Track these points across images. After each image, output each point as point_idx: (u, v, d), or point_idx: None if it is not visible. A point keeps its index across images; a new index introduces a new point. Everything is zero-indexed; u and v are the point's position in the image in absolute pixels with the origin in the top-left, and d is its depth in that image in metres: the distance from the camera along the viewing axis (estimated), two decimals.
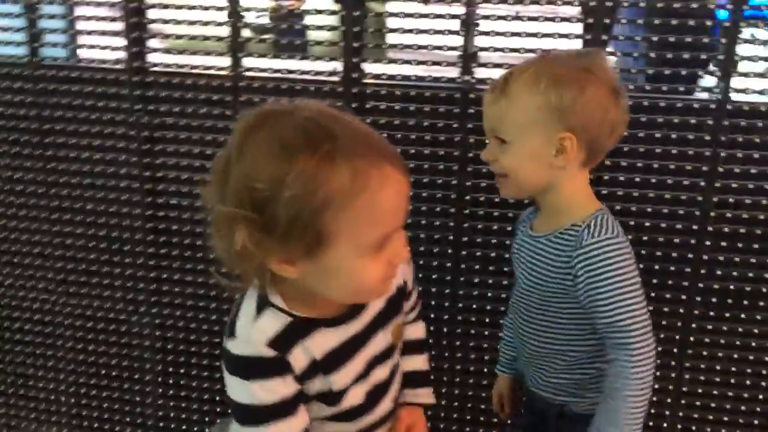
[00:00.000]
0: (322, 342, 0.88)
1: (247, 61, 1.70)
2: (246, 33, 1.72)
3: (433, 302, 1.74)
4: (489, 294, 1.71)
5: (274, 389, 0.84)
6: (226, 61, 1.70)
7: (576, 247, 1.08)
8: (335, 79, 1.66)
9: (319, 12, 1.65)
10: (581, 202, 1.14)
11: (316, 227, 0.76)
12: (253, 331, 0.84)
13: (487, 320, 1.72)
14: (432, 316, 1.74)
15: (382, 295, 0.93)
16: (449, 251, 1.70)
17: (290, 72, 1.68)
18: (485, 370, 1.75)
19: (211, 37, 1.72)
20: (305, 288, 0.84)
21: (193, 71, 1.75)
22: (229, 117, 1.73)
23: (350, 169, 0.75)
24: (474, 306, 1.73)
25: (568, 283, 1.10)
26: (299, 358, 0.85)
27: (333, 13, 1.62)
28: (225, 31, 1.68)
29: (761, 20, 1.57)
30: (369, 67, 1.67)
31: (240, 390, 0.85)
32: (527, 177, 1.12)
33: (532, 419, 1.34)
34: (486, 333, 1.73)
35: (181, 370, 1.97)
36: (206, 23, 1.69)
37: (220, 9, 1.66)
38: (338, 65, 1.65)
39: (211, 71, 1.73)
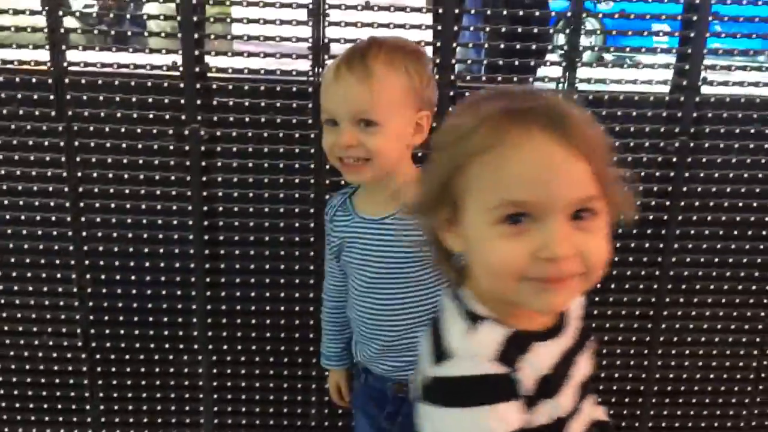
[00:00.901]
0: (544, 355, 0.74)
1: (71, 55, 1.51)
2: (69, 22, 1.53)
3: None
4: None
5: (506, 418, 0.68)
6: (45, 55, 1.50)
7: None
8: (175, 73, 1.52)
9: (149, 1, 1.50)
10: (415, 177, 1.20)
11: (452, 179, 0.71)
12: (475, 346, 0.70)
13: None
14: None
15: (548, 305, 0.71)
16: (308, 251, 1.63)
17: (122, 66, 1.51)
18: None
19: (27, 27, 1.51)
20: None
21: (6, 66, 1.54)
22: (52, 118, 1.53)
23: (494, 123, 0.69)
24: None
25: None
26: (527, 374, 0.71)
27: (167, 0, 1.48)
28: (42, 21, 1.48)
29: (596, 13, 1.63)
30: (213, 61, 1.54)
31: (464, 423, 0.67)
32: (391, 158, 1.13)
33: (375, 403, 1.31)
34: None
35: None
36: (19, 11, 1.48)
37: None
38: (178, 58, 1.51)
39: (28, 66, 1.52)
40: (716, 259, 1.69)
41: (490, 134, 0.68)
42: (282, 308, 1.66)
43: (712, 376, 1.78)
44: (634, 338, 1.73)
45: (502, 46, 1.56)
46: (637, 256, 1.67)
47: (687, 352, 1.76)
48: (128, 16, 1.55)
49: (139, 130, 1.55)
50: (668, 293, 1.69)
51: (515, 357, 0.71)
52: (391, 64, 1.09)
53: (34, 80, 1.52)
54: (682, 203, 1.63)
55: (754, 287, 1.72)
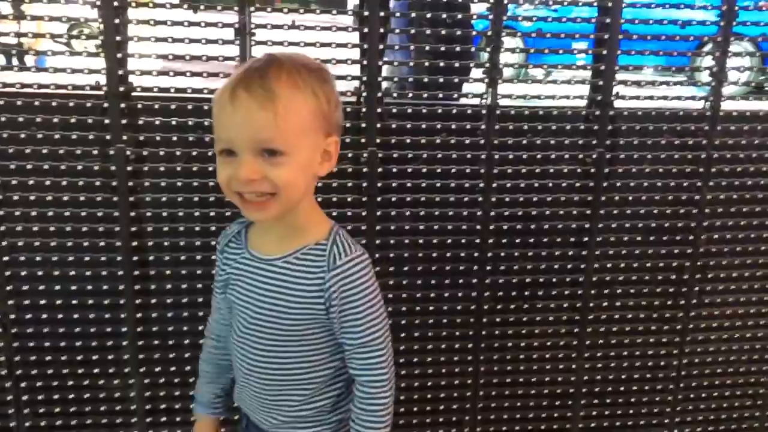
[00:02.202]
0: None
1: None
2: None
3: None
4: None
5: None
6: None
7: (330, 268, 1.01)
8: (99, 93, 1.50)
9: (73, 20, 1.48)
10: (318, 218, 1.07)
11: None
12: None
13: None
14: None
15: None
16: None
17: (43, 87, 1.48)
18: None
19: None
20: None
21: None
22: None
23: None
24: None
25: (319, 306, 1.02)
26: None
27: (89, 20, 1.46)
28: None
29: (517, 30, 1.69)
30: (138, 80, 1.53)
31: None
32: (298, 191, 0.99)
33: None
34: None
35: None
36: None
37: None
38: (101, 78, 1.49)
39: None
40: (635, 264, 1.77)
41: None
42: None
43: (636, 375, 1.86)
44: (561, 342, 1.80)
45: (426, 63, 1.60)
46: (561, 263, 1.73)
47: (612, 354, 1.83)
48: (48, 35, 1.51)
49: (61, 152, 1.52)
50: (592, 298, 1.77)
51: None
52: (296, 85, 0.95)
53: None
54: (602, 212, 1.71)
55: (671, 290, 1.81)
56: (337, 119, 1.03)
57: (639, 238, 1.75)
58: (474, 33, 1.64)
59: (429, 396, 1.78)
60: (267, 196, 0.97)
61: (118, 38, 1.46)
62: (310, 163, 0.99)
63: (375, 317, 1.03)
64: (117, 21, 1.45)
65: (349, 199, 1.62)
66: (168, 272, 1.61)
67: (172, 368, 1.67)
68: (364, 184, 1.60)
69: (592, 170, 1.68)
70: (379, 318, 1.04)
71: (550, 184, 1.68)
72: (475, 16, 1.64)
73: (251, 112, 0.93)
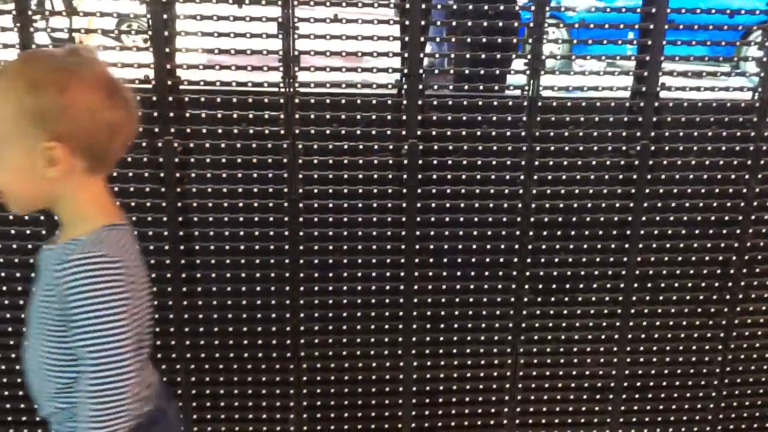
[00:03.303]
0: None
1: None
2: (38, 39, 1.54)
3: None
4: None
5: None
6: None
7: (63, 261, 0.94)
8: (147, 86, 1.54)
9: (123, 16, 1.52)
10: (90, 215, 1.01)
11: None
12: None
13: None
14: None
15: None
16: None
17: None
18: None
19: None
20: None
21: None
22: None
23: None
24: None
25: (52, 303, 0.97)
26: None
27: (138, 16, 1.50)
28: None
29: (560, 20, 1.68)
30: (185, 74, 1.56)
31: None
32: (23, 192, 0.99)
33: None
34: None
35: None
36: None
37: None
38: (150, 72, 1.53)
39: None
40: (679, 258, 1.75)
41: None
42: (258, 315, 1.68)
43: (679, 371, 1.84)
44: (602, 336, 1.78)
45: (468, 56, 1.60)
46: (602, 256, 1.72)
47: (654, 348, 1.81)
48: (99, 31, 1.56)
49: None
50: (634, 292, 1.75)
51: None
52: (6, 88, 0.95)
53: None
54: (645, 204, 1.69)
55: (716, 284, 1.78)
56: (62, 125, 0.95)
57: (683, 231, 1.73)
58: (516, 24, 1.63)
59: (468, 387, 1.79)
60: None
61: (166, 33, 1.50)
62: (27, 166, 0.96)
63: (94, 330, 0.92)
64: (165, 16, 1.49)
65: (389, 191, 1.63)
66: (213, 261, 1.65)
67: (217, 354, 1.71)
68: (405, 176, 1.62)
69: (636, 162, 1.66)
70: (100, 333, 0.92)
71: (593, 177, 1.67)
72: (517, 7, 1.64)
73: None
